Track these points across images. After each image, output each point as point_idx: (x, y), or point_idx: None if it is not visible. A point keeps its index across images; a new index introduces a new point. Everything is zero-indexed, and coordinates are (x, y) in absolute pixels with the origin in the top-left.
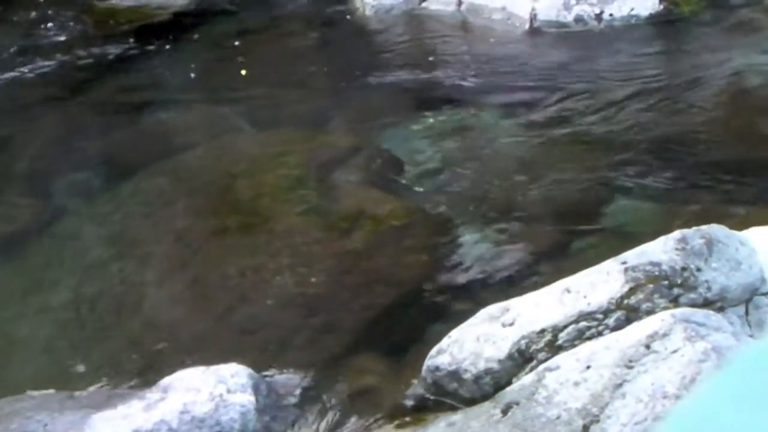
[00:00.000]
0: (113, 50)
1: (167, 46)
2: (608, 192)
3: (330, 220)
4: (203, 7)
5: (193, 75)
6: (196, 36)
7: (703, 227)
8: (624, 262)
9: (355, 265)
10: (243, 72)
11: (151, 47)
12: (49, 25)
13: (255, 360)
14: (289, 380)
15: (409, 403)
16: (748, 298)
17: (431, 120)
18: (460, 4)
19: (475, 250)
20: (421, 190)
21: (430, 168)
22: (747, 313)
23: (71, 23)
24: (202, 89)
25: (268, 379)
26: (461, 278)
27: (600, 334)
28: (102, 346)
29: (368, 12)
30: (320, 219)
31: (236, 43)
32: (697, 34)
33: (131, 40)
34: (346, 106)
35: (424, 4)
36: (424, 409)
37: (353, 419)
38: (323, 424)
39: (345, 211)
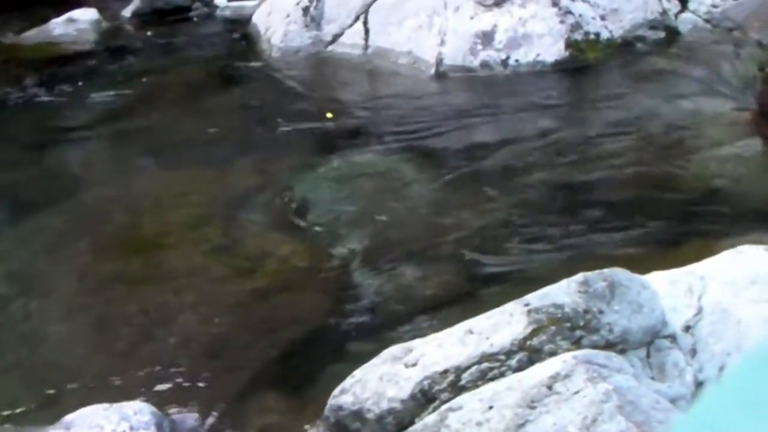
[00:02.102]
0: (19, 87)
1: (74, 84)
2: (511, 235)
3: (234, 260)
4: (111, 46)
5: (99, 113)
6: (103, 75)
7: (606, 270)
8: (527, 304)
9: (258, 304)
10: (329, 115)
11: (58, 85)
12: None
13: (158, 398)
14: (193, 418)
15: None
16: (650, 341)
17: (336, 162)
18: (366, 47)
19: (379, 291)
20: (325, 231)
21: (334, 210)
22: (648, 355)
23: None
24: (108, 128)
25: (171, 417)
26: (364, 319)
27: (502, 375)
28: (3, 383)
29: (275, 54)
30: (224, 258)
31: (143, 81)
32: (602, 80)
33: (37, 77)
34: (252, 147)
35: (330, 47)
36: None
37: None
38: None
39: (249, 251)
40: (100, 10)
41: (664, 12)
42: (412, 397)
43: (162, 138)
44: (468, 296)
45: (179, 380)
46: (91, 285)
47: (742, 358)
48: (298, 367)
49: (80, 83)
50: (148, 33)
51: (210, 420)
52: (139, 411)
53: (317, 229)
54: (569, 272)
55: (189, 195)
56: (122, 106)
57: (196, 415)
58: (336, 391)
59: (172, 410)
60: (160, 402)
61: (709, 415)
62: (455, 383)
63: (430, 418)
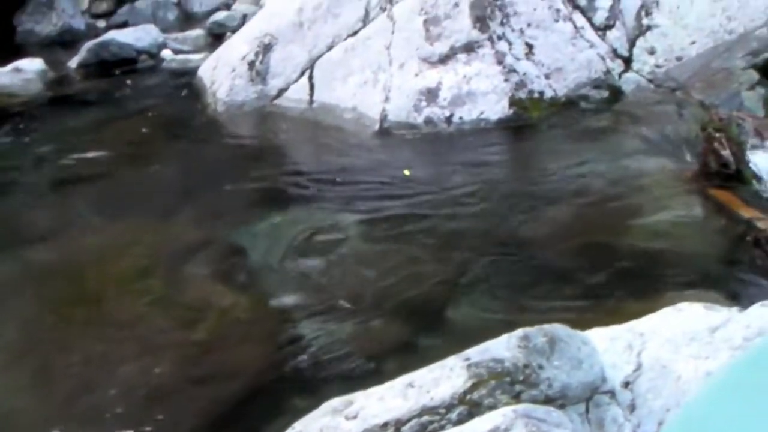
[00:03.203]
0: None
1: (18, 134)
2: (452, 289)
3: (176, 311)
4: (57, 96)
5: (44, 164)
6: (48, 125)
7: (546, 326)
8: (467, 359)
9: (200, 356)
10: (406, 172)
11: (1, 135)
12: None
13: None
14: None
15: None
16: (589, 396)
17: (278, 217)
18: (311, 102)
19: (320, 344)
20: (266, 284)
21: (276, 263)
22: (587, 411)
23: None
24: (52, 179)
25: None
26: (305, 371)
27: (443, 428)
28: None
29: (220, 107)
30: (167, 309)
31: (89, 132)
32: (545, 138)
33: None
34: (196, 200)
35: (275, 102)
36: None
37: None
38: None
39: (191, 302)
40: (47, 61)
41: (608, 71)
42: None
43: (106, 189)
44: (409, 350)
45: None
46: (34, 335)
47: (737, 358)
48: (239, 419)
49: (25, 133)
50: (94, 84)
51: None
52: None
53: (259, 282)
54: (510, 327)
55: (132, 246)
56: (67, 157)
57: None
58: None
59: None
60: None
61: (702, 411)
62: None
63: None
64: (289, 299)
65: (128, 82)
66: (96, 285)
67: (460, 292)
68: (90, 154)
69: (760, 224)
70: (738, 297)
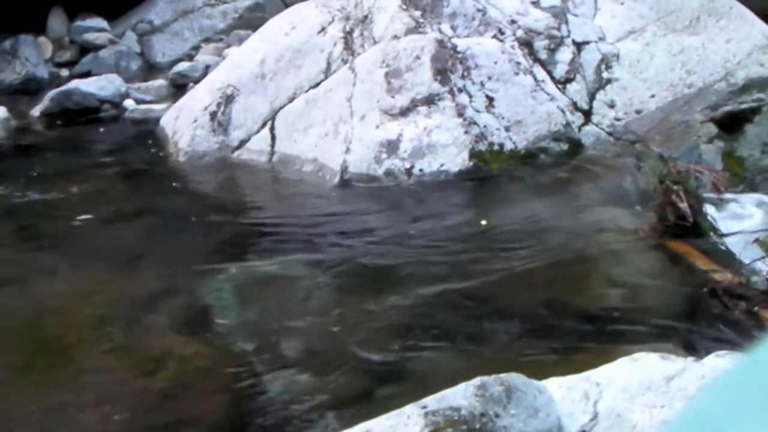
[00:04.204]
0: None
1: None
2: (410, 339)
3: (136, 360)
4: (19, 144)
5: (4, 212)
6: (9, 174)
7: (503, 375)
8: (424, 407)
9: (159, 404)
10: (483, 222)
11: None
12: None
13: None
14: None
15: None
16: None
17: (238, 269)
18: (272, 154)
19: (278, 393)
20: (226, 334)
21: (235, 314)
22: None
23: None
24: (12, 228)
25: None
26: (264, 420)
27: None
28: None
29: (182, 158)
30: (126, 358)
31: (50, 182)
32: (505, 191)
33: None
34: (156, 251)
35: (236, 153)
36: None
37: None
38: None
39: (151, 351)
40: (9, 109)
41: (568, 124)
42: None
43: (67, 239)
44: (367, 398)
45: None
46: None
47: (740, 358)
48: None
49: None
50: (57, 133)
51: None
52: None
53: (218, 332)
54: (467, 376)
55: (92, 296)
56: (27, 206)
57: None
58: None
59: None
60: None
61: (705, 412)
62: None
63: None
64: (248, 349)
65: (91, 131)
66: (56, 333)
67: (418, 341)
68: (51, 203)
69: (717, 276)
70: (694, 347)
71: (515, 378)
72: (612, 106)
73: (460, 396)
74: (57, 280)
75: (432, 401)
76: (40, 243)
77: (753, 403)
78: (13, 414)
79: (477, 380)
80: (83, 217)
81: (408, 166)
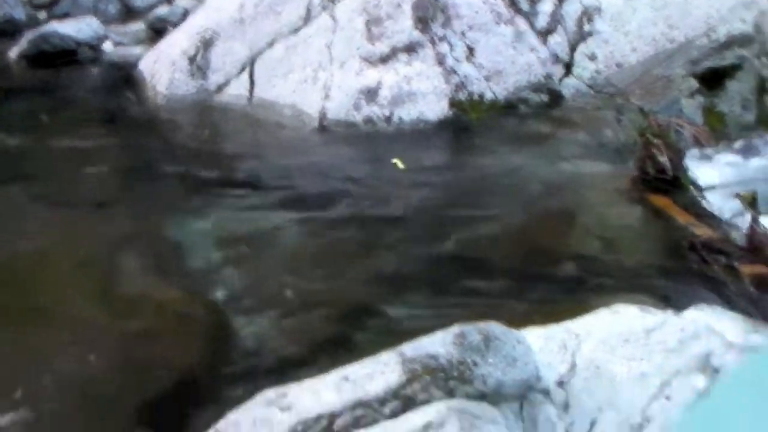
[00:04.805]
0: None
1: None
2: (388, 286)
3: (111, 302)
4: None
5: None
6: None
7: (481, 324)
8: (402, 354)
9: (134, 347)
10: (396, 162)
11: None
12: None
13: None
14: None
15: None
16: (523, 394)
17: (216, 211)
18: (250, 99)
19: (255, 338)
20: (202, 278)
21: (213, 258)
22: (521, 409)
23: None
24: None
25: None
26: (240, 364)
27: (376, 422)
28: None
29: (160, 101)
30: (102, 300)
31: (26, 123)
32: (484, 140)
33: None
34: (134, 193)
35: (215, 97)
36: None
37: None
38: None
39: (127, 293)
40: None
41: (548, 76)
42: None
43: (43, 181)
44: (343, 345)
45: (52, 421)
46: None
47: (746, 358)
48: (173, 409)
49: None
50: (35, 74)
51: None
52: None
53: (194, 275)
54: (445, 325)
55: (68, 237)
56: (4, 146)
57: None
58: None
59: None
60: None
61: (714, 409)
62: (328, 429)
63: None
64: (223, 294)
65: (69, 74)
66: (30, 276)
67: (395, 289)
68: (27, 144)
69: (696, 230)
70: (673, 300)
71: (494, 327)
72: (593, 58)
73: (438, 344)
74: (32, 222)
75: (409, 348)
76: (15, 185)
77: (761, 400)
78: None
79: (455, 328)
80: (58, 160)
81: (387, 113)
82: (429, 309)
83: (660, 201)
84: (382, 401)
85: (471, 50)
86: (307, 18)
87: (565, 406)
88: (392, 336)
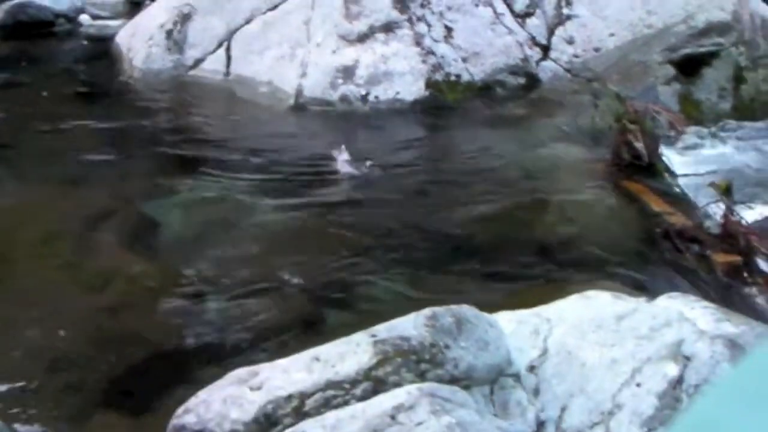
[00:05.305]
0: None
1: None
2: (360, 268)
3: (83, 277)
4: None
5: None
6: None
7: (454, 306)
8: (374, 335)
9: (106, 322)
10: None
11: None
12: None
13: (1, 410)
14: None
15: None
16: (494, 378)
17: (189, 188)
18: (227, 75)
19: (226, 315)
20: (175, 254)
21: (185, 234)
22: (492, 392)
23: None
24: None
25: (13, 429)
26: (211, 342)
27: (347, 403)
28: None
29: (136, 75)
30: (74, 275)
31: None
32: (459, 122)
33: None
34: (107, 167)
35: (191, 72)
36: None
37: None
38: None
39: (99, 268)
40: None
41: (526, 59)
42: (256, 420)
43: (17, 153)
44: (315, 325)
45: (23, 393)
46: None
47: (743, 359)
48: (142, 386)
49: None
50: (11, 45)
51: None
52: None
53: (167, 251)
54: (417, 307)
55: (41, 211)
56: None
57: (36, 430)
58: (179, 411)
59: (13, 424)
60: (3, 414)
61: (707, 412)
62: (299, 409)
63: None
64: (195, 270)
65: (45, 45)
66: (3, 247)
67: (368, 271)
68: (1, 116)
69: (671, 218)
70: (645, 288)
71: (466, 310)
72: (571, 42)
73: (411, 326)
74: (4, 195)
75: (382, 330)
76: None
77: (752, 405)
78: None
79: (427, 311)
80: (33, 132)
81: (364, 92)
82: (400, 290)
83: (635, 187)
84: (353, 382)
85: (449, 31)
86: None
87: (536, 391)
88: (364, 317)
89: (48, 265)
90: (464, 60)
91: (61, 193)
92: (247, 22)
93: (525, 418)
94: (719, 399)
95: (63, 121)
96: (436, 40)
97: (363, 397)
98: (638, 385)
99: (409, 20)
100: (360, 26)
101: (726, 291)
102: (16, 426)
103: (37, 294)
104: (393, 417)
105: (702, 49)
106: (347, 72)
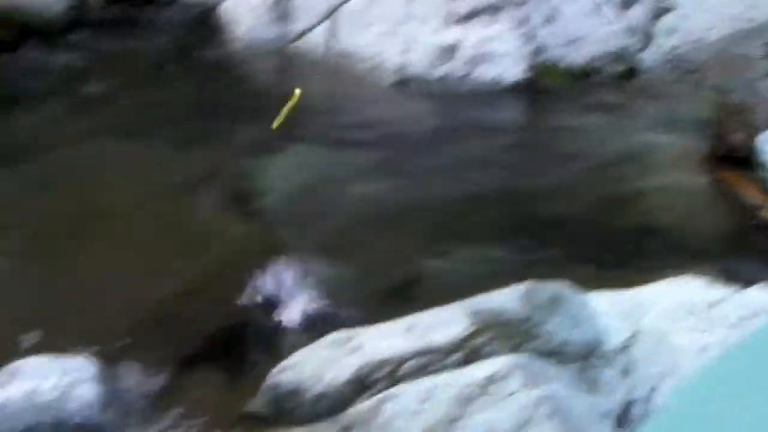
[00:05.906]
0: None
1: (44, 54)
2: (460, 242)
3: (183, 236)
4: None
5: (57, 82)
6: (64, 46)
7: (550, 282)
8: (470, 307)
9: (205, 281)
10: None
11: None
12: None
13: (103, 355)
14: (134, 380)
15: (248, 416)
16: (585, 356)
17: (290, 156)
18: (329, 49)
19: (324, 280)
20: (274, 220)
21: (284, 201)
22: (582, 370)
23: None
24: (65, 97)
25: (114, 374)
26: (310, 305)
27: (440, 371)
28: None
29: (238, 45)
30: (174, 233)
31: (105, 57)
32: (559, 106)
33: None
34: (208, 134)
35: (293, 45)
36: (261, 423)
37: (192, 424)
38: (160, 427)
39: (199, 229)
40: None
41: (626, 47)
42: (350, 382)
43: (118, 114)
44: (413, 293)
45: (124, 341)
46: (40, 244)
47: (735, 343)
48: (241, 344)
49: (46, 53)
50: (112, 13)
51: (150, 384)
52: (82, 365)
53: (266, 216)
54: (512, 281)
55: (142, 171)
56: (81, 78)
57: (137, 377)
58: (275, 369)
59: (117, 368)
60: (105, 359)
61: (701, 394)
62: (393, 373)
63: (365, 405)
64: (295, 235)
65: (147, 13)
66: (104, 205)
67: (467, 244)
68: (104, 79)
69: (765, 211)
70: (737, 278)
71: (561, 287)
72: (671, 33)
73: (507, 299)
74: (106, 155)
75: (477, 302)
76: (92, 115)
77: (741, 390)
78: (66, 276)
79: (524, 285)
80: (135, 95)
81: (464, 73)
82: (498, 264)
83: (731, 178)
84: (448, 351)
85: (551, 16)
86: None
87: (626, 372)
88: (457, 290)
89: (144, 225)
90: (565, 45)
91: (160, 155)
92: None
93: (614, 397)
94: (715, 379)
95: (163, 88)
96: (538, 25)
97: (457, 366)
98: None
99: (513, 3)
100: (464, 6)
101: None
102: (120, 369)
103: (136, 249)
104: (485, 387)
105: None
106: (449, 51)
